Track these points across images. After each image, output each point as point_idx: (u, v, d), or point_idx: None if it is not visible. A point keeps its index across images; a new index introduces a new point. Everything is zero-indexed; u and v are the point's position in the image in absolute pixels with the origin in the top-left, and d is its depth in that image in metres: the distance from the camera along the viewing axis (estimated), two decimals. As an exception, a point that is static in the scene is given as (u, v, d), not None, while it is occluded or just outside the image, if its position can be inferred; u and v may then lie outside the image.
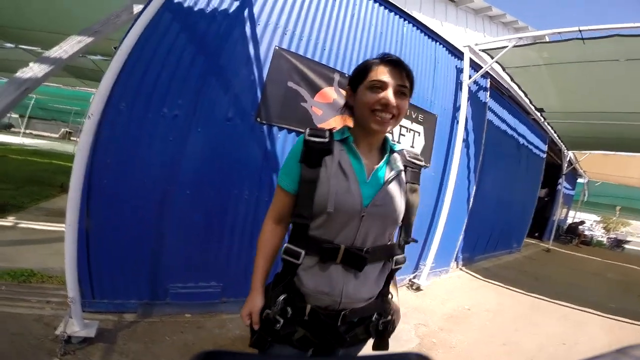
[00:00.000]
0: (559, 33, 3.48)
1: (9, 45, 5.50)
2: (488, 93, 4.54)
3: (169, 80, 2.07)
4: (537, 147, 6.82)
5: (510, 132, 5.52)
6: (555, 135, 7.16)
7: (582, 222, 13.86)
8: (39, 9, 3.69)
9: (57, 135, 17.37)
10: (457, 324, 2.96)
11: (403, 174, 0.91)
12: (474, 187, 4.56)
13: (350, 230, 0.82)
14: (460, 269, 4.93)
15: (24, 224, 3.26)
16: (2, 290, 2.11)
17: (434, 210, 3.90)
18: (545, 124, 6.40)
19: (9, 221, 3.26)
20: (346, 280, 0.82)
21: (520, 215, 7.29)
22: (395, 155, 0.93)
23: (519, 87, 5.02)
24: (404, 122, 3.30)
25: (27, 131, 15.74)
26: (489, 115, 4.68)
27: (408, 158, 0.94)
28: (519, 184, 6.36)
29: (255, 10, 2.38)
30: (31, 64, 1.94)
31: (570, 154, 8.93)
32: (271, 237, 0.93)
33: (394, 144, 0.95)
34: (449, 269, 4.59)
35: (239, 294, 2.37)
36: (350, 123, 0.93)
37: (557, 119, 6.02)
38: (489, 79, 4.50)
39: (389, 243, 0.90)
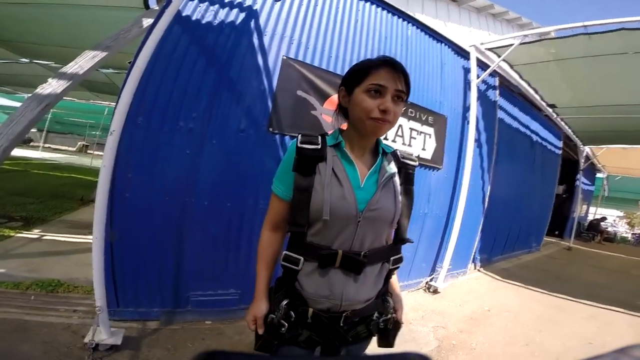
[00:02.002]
0: (565, 29, 3.47)
1: (24, 60, 5.56)
2: (497, 91, 4.49)
3: (182, 94, 2.13)
4: (551, 144, 6.68)
5: (522, 129, 5.43)
6: (569, 130, 6.98)
7: (603, 219, 13.31)
8: (51, 24, 3.68)
9: (74, 149, 17.95)
10: (477, 325, 2.91)
11: (397, 175, 0.91)
12: (489, 187, 4.49)
13: (348, 236, 0.83)
14: (478, 270, 4.84)
15: (49, 236, 3.40)
16: (32, 300, 2.21)
17: (449, 211, 3.86)
18: (559, 119, 6.25)
19: (35, 234, 3.41)
20: (346, 284, 0.84)
21: (539, 213, 7.11)
22: (389, 156, 0.92)
23: (529, 84, 4.93)
24: (415, 125, 3.30)
25: (46, 145, 16.31)
26: (500, 114, 4.62)
27: (401, 159, 0.94)
28: (535, 182, 6.22)
29: (262, 21, 2.43)
30: (50, 80, 1.97)
31: (587, 149, 8.68)
32: (270, 244, 0.95)
33: (387, 146, 0.95)
34: (467, 271, 4.51)
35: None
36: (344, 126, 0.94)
37: (570, 114, 5.87)
38: (497, 78, 4.46)
39: (386, 245, 0.91)
